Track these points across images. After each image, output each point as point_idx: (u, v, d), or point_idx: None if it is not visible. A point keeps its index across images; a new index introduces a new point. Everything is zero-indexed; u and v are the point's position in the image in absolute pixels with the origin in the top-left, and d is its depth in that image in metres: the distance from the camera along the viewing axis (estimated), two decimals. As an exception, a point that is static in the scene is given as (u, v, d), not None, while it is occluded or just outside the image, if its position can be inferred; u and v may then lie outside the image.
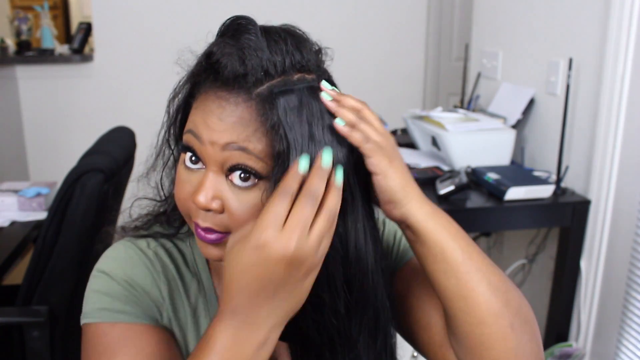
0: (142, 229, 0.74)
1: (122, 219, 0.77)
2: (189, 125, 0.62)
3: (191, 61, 0.65)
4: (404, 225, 0.62)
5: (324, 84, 0.61)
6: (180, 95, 0.66)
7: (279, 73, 0.59)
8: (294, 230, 0.52)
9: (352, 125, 0.59)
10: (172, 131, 0.68)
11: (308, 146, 0.57)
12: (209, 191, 0.59)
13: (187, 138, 0.62)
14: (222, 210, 0.60)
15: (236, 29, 0.60)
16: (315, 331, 0.63)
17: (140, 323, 0.66)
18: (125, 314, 0.66)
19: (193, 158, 0.62)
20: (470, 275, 0.60)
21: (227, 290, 0.55)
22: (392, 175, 0.60)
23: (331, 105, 0.60)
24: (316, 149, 0.58)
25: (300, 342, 0.65)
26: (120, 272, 0.68)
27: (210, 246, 0.62)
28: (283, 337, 0.61)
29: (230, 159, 0.59)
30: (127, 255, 0.70)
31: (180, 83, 0.66)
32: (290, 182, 0.55)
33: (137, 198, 0.75)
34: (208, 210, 0.60)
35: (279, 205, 0.54)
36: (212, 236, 0.61)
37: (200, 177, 0.61)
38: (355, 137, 0.59)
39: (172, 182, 0.72)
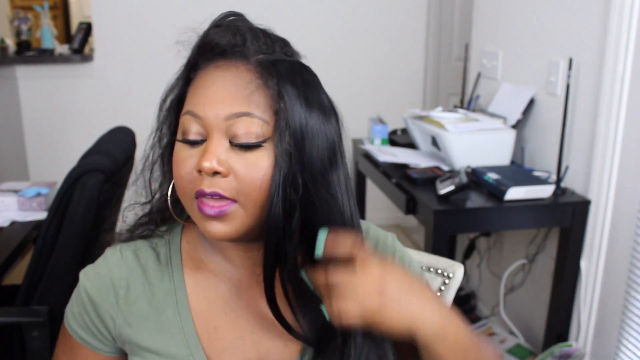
0: (127, 233, 0.76)
1: (120, 222, 0.79)
2: (186, 107, 0.65)
3: (191, 43, 0.68)
4: (415, 340, 0.61)
5: (319, 244, 0.60)
6: (176, 87, 0.69)
7: (269, 52, 0.65)
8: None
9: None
10: (165, 126, 0.70)
11: (302, 105, 0.62)
12: (213, 155, 0.61)
13: (184, 120, 0.64)
14: (227, 174, 0.62)
15: (229, 19, 0.67)
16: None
17: (81, 344, 0.75)
18: (77, 336, 0.75)
19: (192, 135, 0.64)
20: None
21: None
22: (387, 322, 0.58)
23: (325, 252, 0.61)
24: (310, 110, 0.63)
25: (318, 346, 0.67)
26: (87, 284, 0.73)
27: (215, 222, 0.63)
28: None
29: (234, 124, 0.62)
30: (98, 267, 0.74)
31: (177, 76, 0.69)
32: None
33: (128, 204, 0.76)
34: (214, 174, 0.62)
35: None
36: (217, 205, 0.62)
37: (201, 148, 0.63)
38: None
39: (168, 181, 0.73)
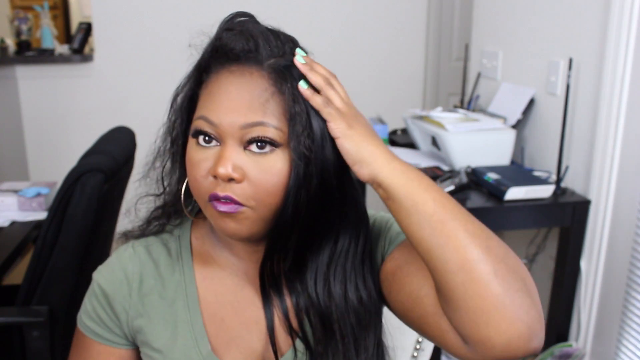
0: (139, 230, 0.79)
1: (128, 219, 0.81)
2: (200, 111, 0.66)
3: (202, 46, 0.69)
4: (375, 184, 0.63)
5: (299, 50, 0.66)
6: (187, 86, 0.69)
7: (280, 54, 0.65)
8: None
9: (319, 89, 0.64)
10: (177, 123, 0.71)
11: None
12: (228, 162, 0.63)
13: (199, 124, 0.65)
14: (242, 180, 0.64)
15: (239, 20, 0.67)
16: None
17: (99, 343, 0.77)
18: (93, 334, 0.77)
19: (206, 138, 0.65)
20: (445, 224, 0.59)
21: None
22: (351, 138, 0.63)
23: (303, 68, 0.65)
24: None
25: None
26: (100, 280, 0.76)
27: (228, 219, 0.65)
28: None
29: (249, 133, 0.63)
30: (111, 263, 0.77)
31: (187, 75, 0.69)
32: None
33: (140, 197, 0.78)
34: (229, 180, 0.63)
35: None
36: (229, 205, 0.64)
37: (216, 152, 0.65)
38: (316, 101, 0.63)
39: (177, 177, 0.74)
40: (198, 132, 0.65)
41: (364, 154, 0.63)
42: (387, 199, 0.63)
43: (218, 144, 0.65)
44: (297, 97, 0.63)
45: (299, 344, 0.71)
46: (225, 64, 0.65)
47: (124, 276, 0.75)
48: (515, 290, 0.57)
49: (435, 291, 0.63)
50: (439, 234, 0.59)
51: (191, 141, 0.67)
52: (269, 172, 0.64)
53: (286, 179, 0.64)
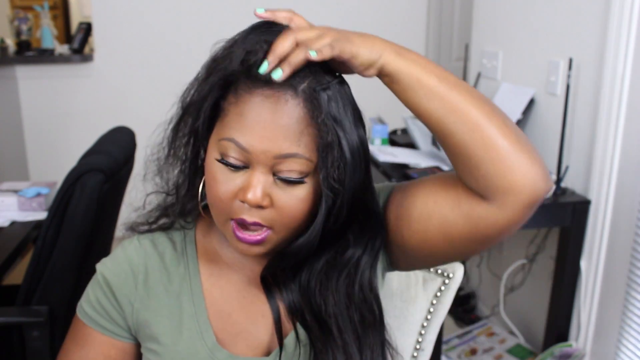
0: (145, 225, 0.79)
1: (132, 215, 0.81)
2: (230, 132, 0.63)
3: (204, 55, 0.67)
4: (382, 75, 0.65)
5: (258, 9, 0.66)
6: (208, 95, 0.65)
7: (311, 72, 0.63)
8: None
9: (295, 47, 0.61)
10: (200, 129, 0.67)
11: (353, 132, 0.64)
12: (258, 189, 0.63)
13: (228, 146, 0.63)
14: (270, 207, 0.64)
15: (269, 28, 0.65)
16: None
17: (96, 331, 0.76)
18: (94, 323, 0.76)
19: (235, 164, 0.64)
20: (452, 92, 0.63)
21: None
22: (359, 51, 0.63)
23: (265, 16, 0.66)
24: (357, 133, 0.65)
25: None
26: (105, 271, 0.76)
27: (253, 246, 0.66)
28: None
29: (281, 163, 0.62)
30: (116, 255, 0.77)
31: (207, 80, 0.66)
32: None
33: (149, 193, 0.78)
34: (258, 207, 0.63)
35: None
36: (254, 236, 0.65)
37: (244, 176, 0.64)
38: (299, 59, 0.61)
39: (186, 176, 0.73)
40: (224, 155, 0.64)
41: (374, 56, 0.63)
42: (392, 83, 0.65)
43: (247, 167, 0.64)
44: (329, 127, 0.62)
45: (303, 338, 0.72)
46: (258, 84, 0.62)
47: (129, 268, 0.75)
48: (522, 136, 0.63)
49: (457, 167, 0.66)
50: (448, 101, 0.62)
51: (216, 161, 0.65)
52: (296, 199, 0.64)
53: (311, 204, 0.66)
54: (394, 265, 0.77)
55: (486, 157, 0.62)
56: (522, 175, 0.61)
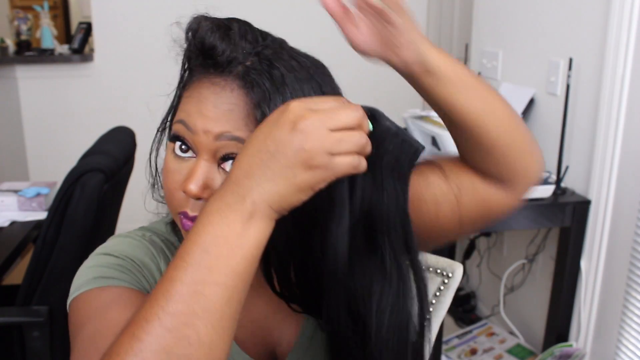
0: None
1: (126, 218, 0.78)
2: (180, 115, 0.63)
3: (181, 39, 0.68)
4: (423, 69, 0.67)
5: None
6: (177, 90, 0.67)
7: (253, 54, 0.61)
8: (322, 115, 0.50)
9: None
10: (166, 123, 0.69)
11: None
12: (200, 179, 0.60)
13: (177, 128, 0.62)
14: None
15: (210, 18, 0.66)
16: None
17: (132, 289, 0.64)
18: (117, 280, 0.64)
19: (183, 147, 0.62)
20: (487, 95, 0.69)
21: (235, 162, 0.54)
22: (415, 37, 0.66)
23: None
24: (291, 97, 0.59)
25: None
26: (119, 249, 0.68)
27: None
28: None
29: (223, 148, 0.60)
30: (127, 240, 0.71)
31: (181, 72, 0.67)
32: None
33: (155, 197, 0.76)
34: (198, 198, 0.60)
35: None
36: None
37: (190, 165, 0.62)
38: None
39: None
40: (175, 137, 0.62)
41: (426, 54, 0.67)
42: (429, 76, 0.68)
43: (194, 156, 0.62)
44: (270, 107, 0.58)
45: (309, 325, 0.74)
46: (207, 72, 0.62)
47: (149, 251, 0.70)
48: (528, 130, 0.73)
49: (475, 154, 0.72)
50: (489, 104, 0.69)
51: (169, 146, 0.64)
52: None
53: None
54: None
55: (514, 144, 0.70)
56: (535, 160, 0.72)
